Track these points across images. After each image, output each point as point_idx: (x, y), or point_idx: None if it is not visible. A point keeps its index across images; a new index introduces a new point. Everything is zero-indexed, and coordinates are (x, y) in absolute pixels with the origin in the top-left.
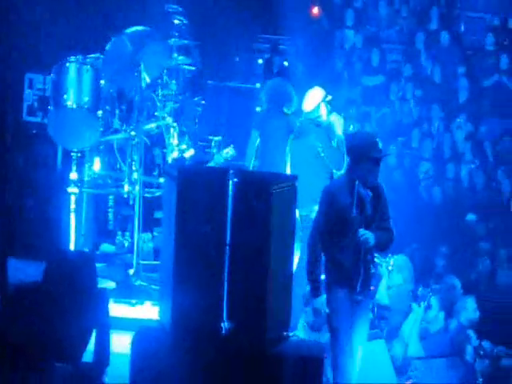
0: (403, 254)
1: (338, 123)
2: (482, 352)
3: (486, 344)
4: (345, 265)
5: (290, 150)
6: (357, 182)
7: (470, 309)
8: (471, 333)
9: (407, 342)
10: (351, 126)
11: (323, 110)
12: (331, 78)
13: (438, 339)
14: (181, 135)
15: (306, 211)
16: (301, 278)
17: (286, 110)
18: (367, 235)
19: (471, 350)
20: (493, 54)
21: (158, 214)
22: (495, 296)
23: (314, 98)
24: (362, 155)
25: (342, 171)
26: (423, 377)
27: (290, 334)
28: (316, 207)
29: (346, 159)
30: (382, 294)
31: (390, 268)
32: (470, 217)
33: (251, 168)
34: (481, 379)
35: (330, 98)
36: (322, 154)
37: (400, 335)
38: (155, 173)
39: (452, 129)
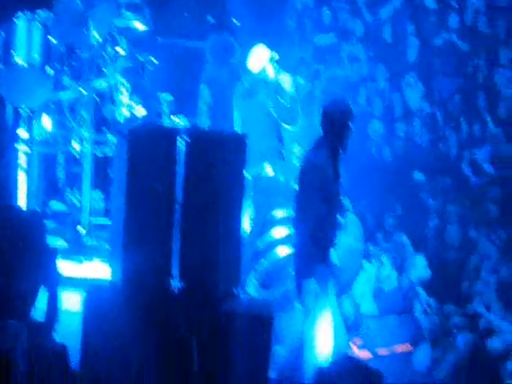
0: (353, 213)
1: (287, 81)
2: (428, 309)
3: (432, 302)
4: (328, 235)
5: (239, 110)
6: (340, 152)
7: (419, 266)
8: (421, 290)
9: (360, 300)
10: (302, 82)
11: (270, 71)
12: (283, 37)
13: (391, 297)
14: (131, 93)
15: (257, 170)
16: (252, 236)
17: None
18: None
19: (420, 308)
20: (443, 13)
21: (109, 172)
22: (444, 253)
23: (260, 59)
24: (346, 124)
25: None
26: (375, 334)
27: (241, 292)
28: (266, 165)
29: (327, 129)
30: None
31: None
32: (418, 175)
33: (204, 123)
34: (427, 336)
35: (277, 57)
36: (273, 112)
37: (351, 293)
38: (105, 131)
39: (402, 87)
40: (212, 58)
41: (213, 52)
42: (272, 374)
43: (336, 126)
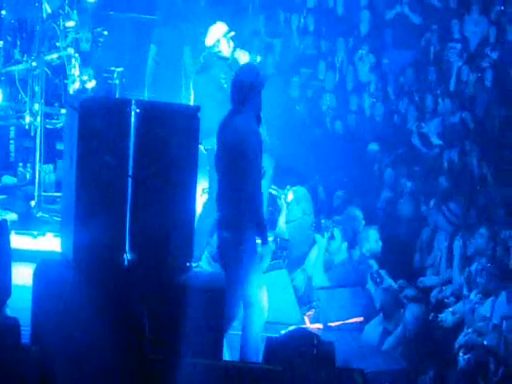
0: (303, 186)
1: (242, 57)
2: (378, 279)
3: (384, 274)
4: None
5: (193, 85)
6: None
7: (372, 239)
8: (373, 263)
9: (312, 272)
10: (258, 58)
11: (224, 45)
12: (236, 11)
13: (342, 270)
14: (83, 66)
15: (211, 144)
16: (207, 211)
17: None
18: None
19: (371, 280)
20: None
21: (60, 146)
22: (397, 226)
23: (214, 33)
24: (260, 88)
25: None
26: (326, 306)
27: (194, 265)
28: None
29: (242, 97)
30: (281, 227)
31: (288, 200)
32: (372, 146)
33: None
34: (379, 309)
35: (232, 33)
36: (225, 86)
37: (303, 266)
38: (56, 104)
39: (354, 61)
40: (162, 20)
41: (164, 15)
42: (225, 346)
43: (255, 90)
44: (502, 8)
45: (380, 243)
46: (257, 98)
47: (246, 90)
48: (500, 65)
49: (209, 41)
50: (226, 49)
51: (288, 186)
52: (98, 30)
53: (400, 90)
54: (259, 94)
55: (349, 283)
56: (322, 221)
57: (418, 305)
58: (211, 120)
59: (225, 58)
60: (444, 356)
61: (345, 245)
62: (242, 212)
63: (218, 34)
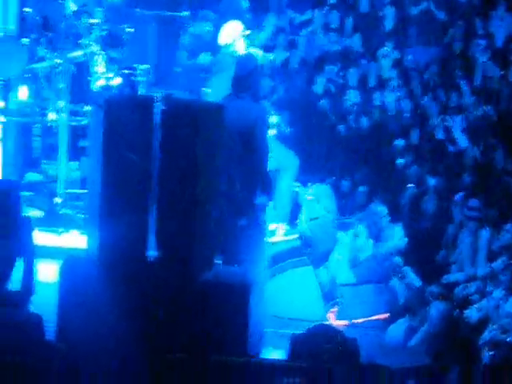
0: (325, 183)
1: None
2: (402, 275)
3: (409, 271)
4: None
5: (211, 86)
6: None
7: (396, 236)
8: (398, 259)
9: (336, 270)
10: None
11: (240, 45)
12: (258, 7)
13: (367, 266)
14: (108, 63)
15: None
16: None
17: None
18: None
19: (396, 276)
20: None
21: (83, 143)
22: (421, 223)
23: (230, 32)
24: (258, 76)
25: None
26: (350, 303)
27: (218, 262)
28: None
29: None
30: (303, 224)
31: (309, 197)
32: (397, 142)
33: None
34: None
35: (248, 32)
36: None
37: (327, 263)
38: (81, 101)
39: (378, 57)
40: None
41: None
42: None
43: (256, 78)
44: None
45: (405, 240)
46: (255, 86)
47: (247, 76)
48: None
49: (224, 40)
50: (241, 47)
51: (309, 184)
52: (124, 27)
53: (424, 86)
54: (258, 81)
55: (373, 280)
56: (346, 219)
57: (443, 302)
58: None
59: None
60: (469, 353)
61: (370, 241)
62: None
63: (234, 33)
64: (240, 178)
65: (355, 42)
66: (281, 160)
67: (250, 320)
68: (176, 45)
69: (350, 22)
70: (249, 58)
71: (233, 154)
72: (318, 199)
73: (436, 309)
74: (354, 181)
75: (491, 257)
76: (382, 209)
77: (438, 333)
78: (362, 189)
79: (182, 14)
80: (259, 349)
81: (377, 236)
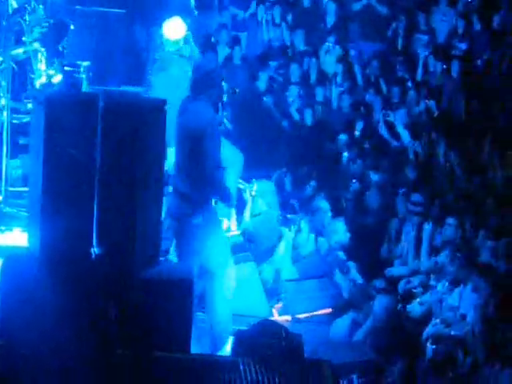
0: (269, 179)
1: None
2: (346, 269)
3: (352, 265)
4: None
5: (154, 84)
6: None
7: (340, 231)
8: (341, 254)
9: (280, 265)
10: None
11: (184, 42)
12: (201, 5)
13: (309, 261)
14: (49, 60)
15: None
16: None
17: None
18: None
19: (339, 271)
20: None
21: (23, 140)
22: (364, 218)
23: (178, 29)
24: (219, 77)
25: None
26: (294, 298)
27: (161, 258)
28: None
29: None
30: (246, 220)
31: (252, 193)
32: (340, 137)
33: None
34: (347, 300)
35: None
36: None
37: (271, 259)
38: (23, 98)
39: (320, 53)
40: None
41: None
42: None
43: (208, 81)
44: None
45: (348, 234)
46: (215, 87)
47: (205, 79)
48: (468, 56)
49: (173, 35)
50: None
51: (253, 180)
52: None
53: (367, 81)
54: (218, 83)
55: (316, 275)
56: (289, 215)
57: (386, 296)
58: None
59: (186, 56)
60: (412, 347)
61: (312, 237)
62: (203, 188)
63: (182, 30)
64: (192, 178)
65: (297, 38)
66: (225, 156)
67: (192, 316)
68: (115, 42)
69: (291, 17)
70: (207, 60)
71: (184, 155)
72: (261, 195)
73: (379, 303)
74: (297, 177)
75: (434, 251)
76: (324, 204)
77: (382, 327)
78: (308, 185)
79: (122, 11)
80: (222, 345)
81: (320, 231)
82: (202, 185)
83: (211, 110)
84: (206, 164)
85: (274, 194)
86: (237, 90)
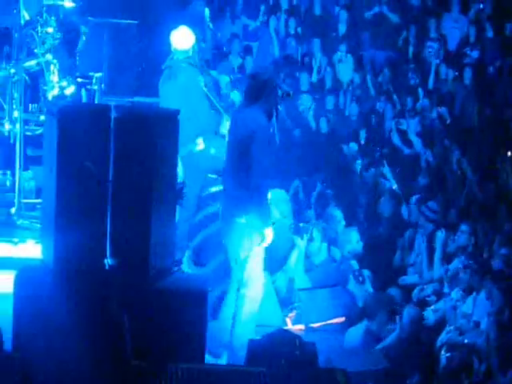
0: (282, 188)
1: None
2: (361, 278)
3: (367, 273)
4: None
5: (163, 93)
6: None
7: (353, 241)
8: (354, 263)
9: (293, 275)
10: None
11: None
12: (214, 13)
13: (322, 270)
14: (61, 72)
15: (189, 147)
16: (186, 213)
17: None
18: None
19: (353, 280)
20: None
21: (31, 152)
22: (377, 226)
23: (187, 38)
24: (274, 85)
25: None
26: (307, 307)
27: (175, 269)
28: (199, 140)
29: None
30: None
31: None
32: (351, 146)
33: None
34: (361, 309)
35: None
36: (205, 89)
37: (284, 268)
38: (36, 110)
39: (334, 62)
40: None
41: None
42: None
43: (264, 89)
44: (482, 6)
45: (361, 244)
46: (271, 95)
47: (260, 86)
48: (480, 63)
49: (181, 45)
50: (195, 55)
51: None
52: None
53: (378, 89)
54: (274, 90)
55: (329, 284)
56: (301, 224)
57: (415, 308)
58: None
59: (195, 65)
60: (427, 355)
61: (324, 245)
62: (246, 202)
63: (190, 39)
64: (238, 183)
65: (315, 47)
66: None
67: (206, 326)
68: (128, 52)
69: (303, 26)
70: (262, 69)
71: (233, 159)
72: (275, 204)
73: (408, 314)
74: (310, 185)
75: (448, 258)
76: (338, 213)
77: (407, 338)
78: (320, 193)
79: (134, 21)
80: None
81: (333, 240)
82: (247, 190)
83: (264, 117)
84: (252, 170)
85: (287, 202)
86: (291, 93)
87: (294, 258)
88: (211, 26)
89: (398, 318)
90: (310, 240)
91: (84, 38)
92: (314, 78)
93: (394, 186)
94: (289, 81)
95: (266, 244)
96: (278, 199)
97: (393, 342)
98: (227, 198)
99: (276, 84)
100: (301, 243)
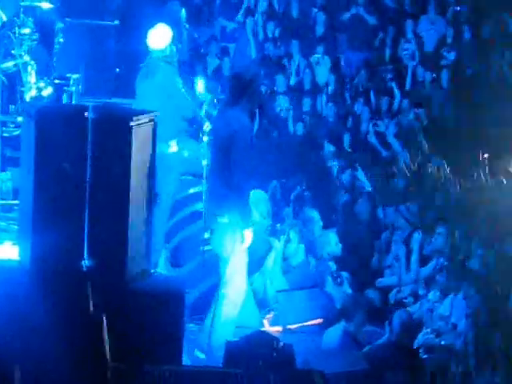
0: (260, 189)
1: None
2: (339, 279)
3: (345, 275)
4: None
5: (139, 91)
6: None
7: (332, 243)
8: (332, 264)
9: (271, 276)
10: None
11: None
12: (191, 14)
13: (300, 272)
14: (39, 73)
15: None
16: (162, 215)
17: None
18: None
19: (331, 281)
20: None
21: (10, 153)
22: (354, 228)
23: (164, 36)
24: (258, 84)
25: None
26: (285, 309)
27: (152, 271)
28: (172, 142)
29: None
30: None
31: None
32: (329, 146)
33: None
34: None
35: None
36: (183, 90)
37: (261, 270)
38: (13, 112)
39: (312, 64)
40: None
41: None
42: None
43: (247, 88)
44: (458, 8)
45: (339, 245)
46: (253, 95)
47: (243, 86)
48: (457, 65)
49: (157, 44)
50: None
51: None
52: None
53: (355, 91)
54: (257, 89)
55: (307, 285)
56: (278, 225)
57: (406, 311)
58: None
59: (172, 63)
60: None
61: (302, 247)
62: (229, 203)
63: (165, 37)
64: (221, 183)
65: (294, 49)
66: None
67: (184, 328)
68: (105, 54)
69: (281, 28)
70: (244, 69)
71: (215, 160)
72: (254, 205)
73: (399, 317)
74: (287, 187)
75: (425, 260)
76: (315, 214)
77: (397, 340)
78: (298, 195)
79: (112, 22)
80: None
81: (311, 241)
82: (230, 189)
83: (246, 118)
84: (234, 170)
85: (267, 203)
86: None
87: (271, 259)
88: (187, 26)
89: (387, 322)
90: (287, 242)
91: (61, 39)
92: (293, 79)
93: (369, 188)
94: (267, 82)
95: (245, 245)
96: (257, 200)
97: (381, 344)
98: (211, 197)
99: (258, 84)
100: (278, 245)
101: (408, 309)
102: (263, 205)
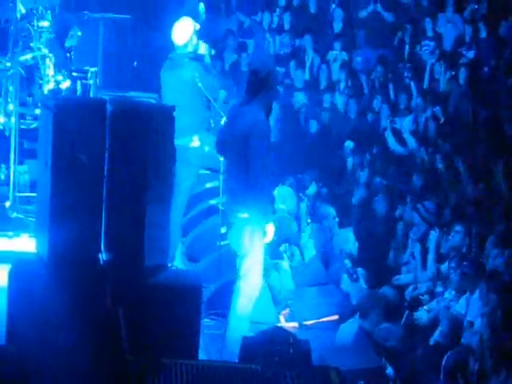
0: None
1: (203, 50)
2: (355, 276)
3: (361, 272)
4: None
5: (164, 84)
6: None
7: (349, 241)
8: (347, 262)
9: (286, 272)
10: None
11: (195, 41)
12: (209, 10)
13: (315, 268)
14: (57, 66)
15: (184, 141)
16: (179, 208)
17: None
18: None
19: (347, 278)
20: None
21: (28, 145)
22: (371, 225)
23: (185, 30)
24: (275, 79)
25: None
26: (301, 305)
27: (169, 265)
28: (194, 137)
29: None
30: None
31: None
32: (348, 143)
33: None
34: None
35: (198, 26)
36: (200, 84)
37: (277, 265)
38: (31, 104)
39: (329, 60)
40: None
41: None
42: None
43: (264, 84)
44: (476, 7)
45: (356, 243)
46: (270, 90)
47: (261, 82)
48: (475, 63)
49: (180, 39)
50: (202, 47)
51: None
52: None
53: (372, 87)
54: (274, 85)
55: (321, 281)
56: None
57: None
58: (183, 119)
59: (198, 58)
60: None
61: (318, 243)
62: (248, 198)
63: (189, 31)
64: (239, 179)
65: (307, 44)
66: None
67: (200, 322)
68: (123, 47)
69: (299, 24)
70: (267, 59)
71: (232, 156)
72: (282, 201)
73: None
74: (304, 183)
75: (441, 258)
76: (331, 211)
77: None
78: (314, 191)
79: (128, 16)
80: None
81: (327, 238)
82: (247, 185)
83: (262, 114)
84: (251, 165)
85: (294, 199)
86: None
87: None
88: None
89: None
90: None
91: (79, 32)
92: (307, 75)
93: (387, 185)
94: (284, 78)
95: (267, 240)
96: (284, 195)
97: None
98: (229, 193)
99: (276, 79)
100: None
101: (425, 307)
102: (290, 200)
